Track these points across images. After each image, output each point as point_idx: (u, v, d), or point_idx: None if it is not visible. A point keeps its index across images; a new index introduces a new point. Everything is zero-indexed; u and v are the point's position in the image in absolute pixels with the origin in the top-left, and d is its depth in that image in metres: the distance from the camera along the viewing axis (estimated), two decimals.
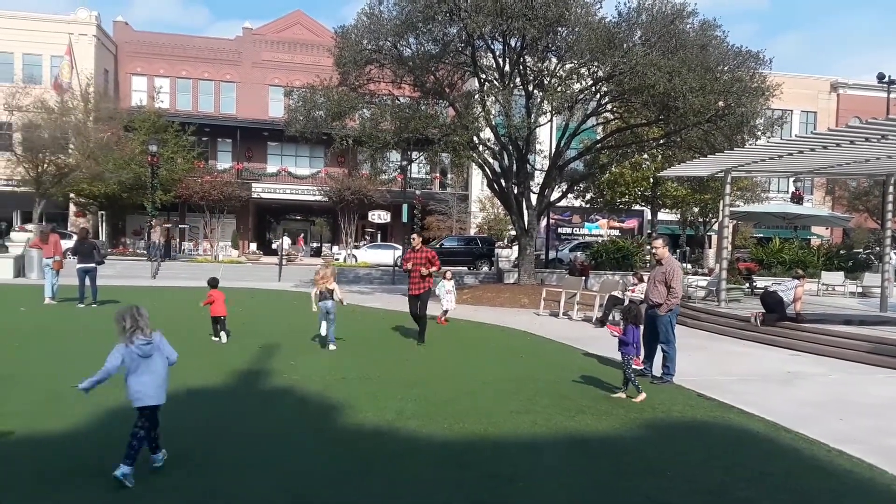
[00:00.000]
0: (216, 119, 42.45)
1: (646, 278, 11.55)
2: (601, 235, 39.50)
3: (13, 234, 26.75)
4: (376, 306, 17.16)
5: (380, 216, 38.26)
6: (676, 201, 32.81)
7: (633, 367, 7.69)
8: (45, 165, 27.98)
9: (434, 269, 11.30)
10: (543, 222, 29.03)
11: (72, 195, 33.69)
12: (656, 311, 8.57)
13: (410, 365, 9.19)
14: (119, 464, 4.50)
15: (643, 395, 7.46)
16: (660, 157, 26.27)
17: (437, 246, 33.62)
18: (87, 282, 15.05)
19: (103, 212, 36.28)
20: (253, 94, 44.52)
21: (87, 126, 29.65)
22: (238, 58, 44.50)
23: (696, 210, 36.26)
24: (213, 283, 11.26)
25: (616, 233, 40.92)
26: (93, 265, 15.17)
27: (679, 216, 38.63)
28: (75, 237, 20.64)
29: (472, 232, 39.84)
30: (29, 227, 28.73)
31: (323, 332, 10.49)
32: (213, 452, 5.33)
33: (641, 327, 8.03)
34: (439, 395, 7.37)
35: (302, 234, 48.06)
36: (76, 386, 4.56)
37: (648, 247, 30.58)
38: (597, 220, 39.99)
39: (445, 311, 14.15)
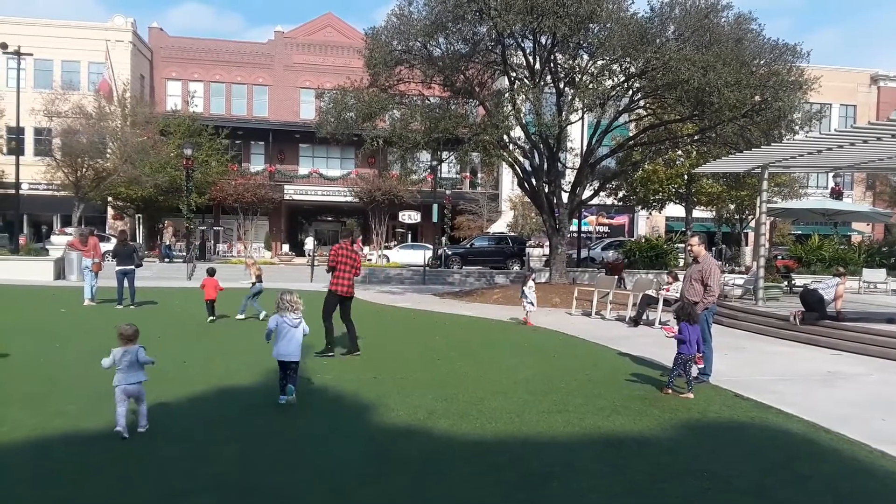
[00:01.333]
0: (249, 122, 43.04)
1: (681, 277, 11.40)
2: (590, 232, 38.95)
3: (53, 238, 27.50)
4: (407, 306, 17.20)
5: (410, 216, 38.37)
6: (712, 198, 32.30)
7: (697, 365, 7.59)
8: (84, 170, 28.61)
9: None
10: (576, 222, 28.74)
11: (109, 199, 34.44)
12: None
13: (441, 365, 9.18)
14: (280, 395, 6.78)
15: (690, 395, 7.44)
16: (694, 153, 25.94)
17: (468, 245, 33.62)
18: (126, 283, 15.35)
19: (140, 215, 37.03)
20: (284, 97, 45.01)
21: (124, 131, 30.27)
22: (270, 61, 45.04)
23: (731, 207, 35.66)
24: (211, 272, 13.29)
25: (605, 229, 40.29)
26: (131, 267, 15.48)
27: (714, 213, 38.00)
28: (114, 240, 21.08)
29: (500, 228, 39.45)
30: (69, 230, 29.51)
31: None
32: (250, 448, 5.41)
33: (698, 326, 7.87)
34: (471, 394, 7.35)
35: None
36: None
37: (683, 245, 30.20)
38: (586, 216, 39.35)
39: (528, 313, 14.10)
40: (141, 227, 38.15)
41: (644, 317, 14.24)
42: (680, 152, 26.67)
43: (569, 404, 6.98)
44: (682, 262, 26.83)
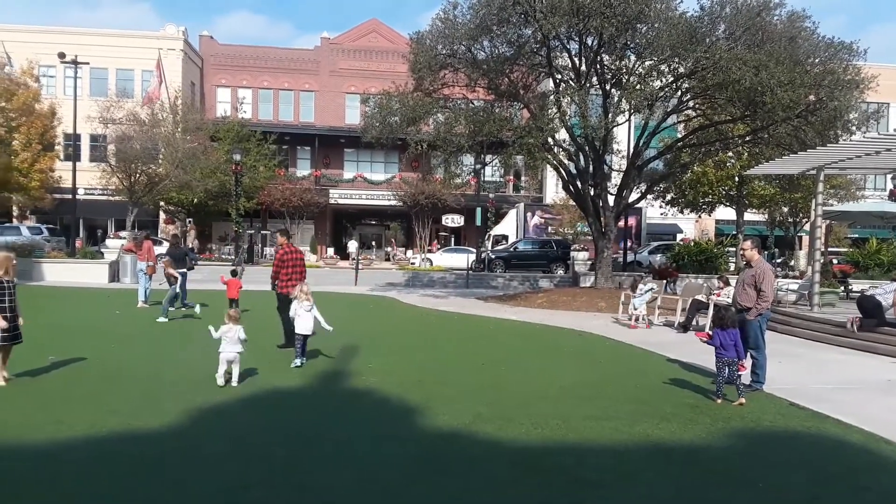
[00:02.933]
0: (295, 127, 43.73)
1: (732, 281, 11.13)
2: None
3: (108, 241, 28.35)
4: (450, 310, 17.19)
5: (453, 220, 38.40)
6: (764, 201, 31.47)
7: (739, 372, 7.41)
8: (137, 175, 29.46)
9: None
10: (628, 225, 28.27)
11: (162, 203, 35.41)
12: (745, 316, 8.19)
13: (486, 369, 9.13)
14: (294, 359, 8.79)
15: (742, 400, 7.29)
16: (746, 154, 25.32)
17: (511, 249, 33.47)
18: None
19: (191, 219, 37.96)
20: (330, 103, 45.61)
21: (175, 137, 31.07)
22: (316, 67, 45.70)
23: (785, 210, 34.68)
24: (234, 273, 14.58)
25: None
26: (183, 270, 15.85)
27: (767, 216, 37.02)
28: (166, 244, 21.62)
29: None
30: (123, 234, 30.40)
31: None
32: (298, 448, 5.47)
33: (736, 330, 7.63)
34: (516, 399, 7.29)
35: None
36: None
37: (733, 248, 29.51)
38: None
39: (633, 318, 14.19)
40: (191, 230, 39.14)
41: (694, 322, 13.93)
42: (730, 154, 26.05)
43: (617, 411, 6.86)
44: (732, 266, 26.22)
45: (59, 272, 22.98)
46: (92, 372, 8.22)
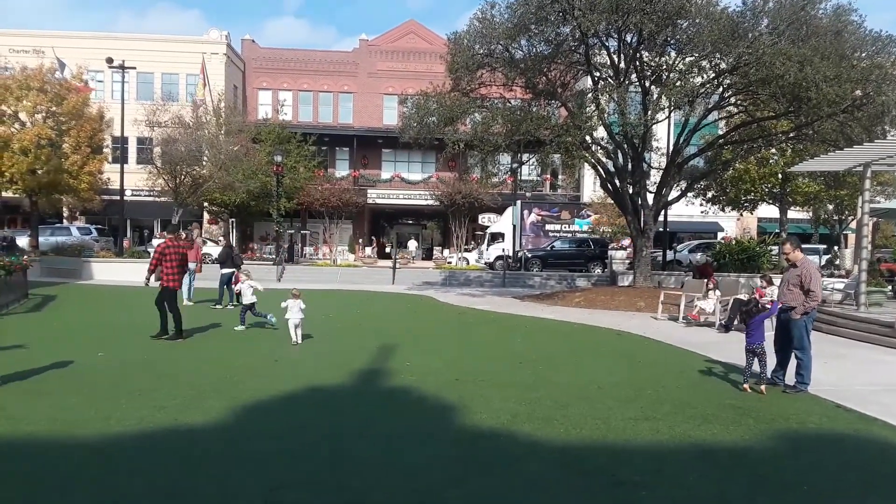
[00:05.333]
0: (334, 129, 44.21)
1: (776, 281, 10.94)
2: (592, 231, 37.39)
3: (154, 241, 29.07)
4: (487, 309, 17.21)
5: (490, 219, 38.35)
6: (808, 198, 30.71)
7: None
8: (182, 177, 30.14)
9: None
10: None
11: (205, 204, 36.17)
12: (790, 315, 8.05)
13: (523, 368, 9.14)
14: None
15: (762, 389, 7.76)
16: (789, 151, 24.80)
17: (548, 248, 33.30)
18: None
19: (233, 219, 38.70)
20: (368, 104, 45.98)
21: (218, 139, 31.71)
22: (355, 69, 46.11)
23: (830, 207, 33.79)
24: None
25: (609, 229, 38.31)
26: (231, 270, 16.25)
27: (811, 214, 36.11)
28: (222, 244, 22.07)
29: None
30: (168, 234, 31.12)
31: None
32: (339, 447, 5.56)
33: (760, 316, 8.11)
34: (554, 399, 7.28)
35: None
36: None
37: (776, 247, 28.86)
38: (588, 215, 37.42)
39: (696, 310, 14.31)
40: (234, 230, 39.86)
41: (735, 322, 13.69)
42: (774, 150, 25.51)
43: (657, 412, 6.82)
44: (775, 265, 25.67)
45: (108, 271, 23.70)
46: (139, 368, 8.48)
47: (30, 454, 5.26)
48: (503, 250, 32.87)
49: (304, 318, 10.68)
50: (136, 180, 35.47)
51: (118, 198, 29.12)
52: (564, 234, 35.90)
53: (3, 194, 29.84)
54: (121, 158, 29.13)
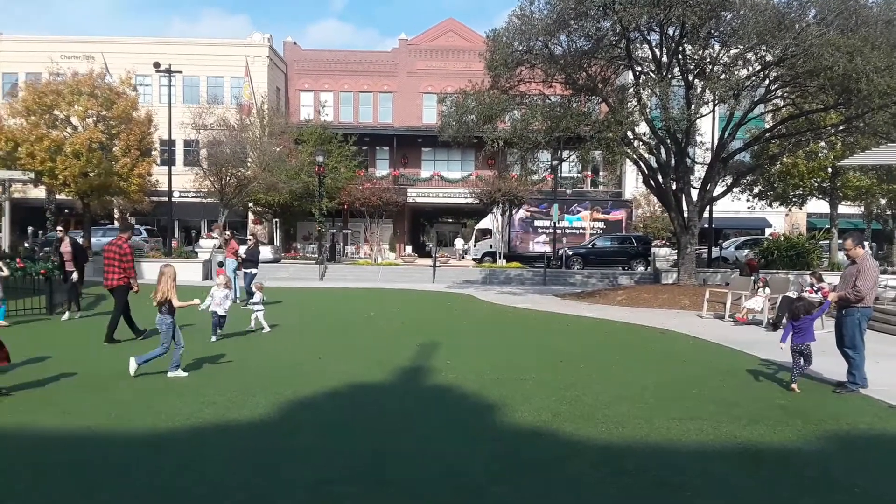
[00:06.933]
0: (375, 128, 44.56)
1: (826, 278, 10.67)
2: (583, 228, 36.35)
3: (202, 241, 29.73)
4: (527, 307, 17.14)
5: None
6: (860, 192, 29.73)
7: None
8: (227, 178, 30.72)
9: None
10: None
11: (250, 204, 36.83)
12: (845, 312, 7.91)
13: (564, 367, 9.09)
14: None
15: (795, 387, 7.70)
16: (839, 144, 24.05)
17: (590, 245, 32.97)
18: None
19: (277, 219, 39.32)
20: (408, 103, 46.19)
21: (262, 141, 32.26)
22: (394, 69, 46.37)
23: (882, 202, 32.66)
24: (220, 264, 17.49)
25: (601, 225, 37.04)
26: (255, 270, 16.57)
27: (863, 209, 34.96)
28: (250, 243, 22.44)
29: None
30: (214, 234, 31.80)
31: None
32: (382, 442, 5.64)
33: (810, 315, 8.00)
34: (596, 398, 7.23)
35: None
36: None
37: (826, 242, 28.06)
38: (578, 211, 36.34)
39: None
40: (277, 230, 40.52)
41: (784, 320, 13.35)
42: (823, 144, 24.78)
43: (702, 412, 6.71)
44: (825, 262, 24.95)
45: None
46: (188, 365, 8.68)
47: (85, 447, 5.46)
48: (490, 246, 34.23)
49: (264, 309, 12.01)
50: (183, 182, 36.35)
51: (166, 199, 29.85)
52: (514, 230, 35.33)
53: (57, 196, 30.86)
54: (168, 161, 29.81)
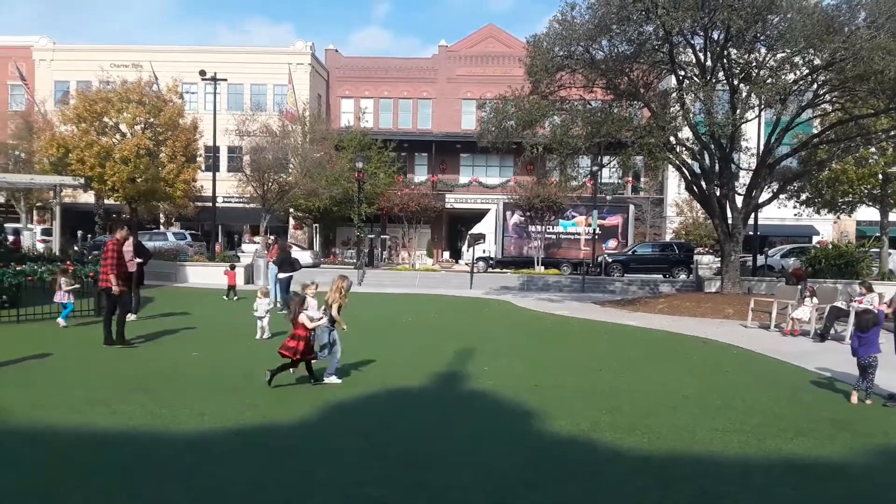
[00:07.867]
0: (413, 135, 44.82)
1: (876, 287, 10.35)
2: (578, 234, 35.30)
3: (244, 246, 30.27)
4: (566, 314, 16.99)
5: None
6: None
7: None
8: (270, 184, 31.28)
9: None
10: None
11: (291, 210, 37.40)
12: None
13: (604, 375, 8.98)
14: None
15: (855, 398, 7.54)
16: (890, 150, 23.30)
17: (630, 252, 32.56)
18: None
19: (317, 224, 39.83)
20: (447, 109, 46.36)
21: (303, 147, 32.76)
22: (434, 75, 46.62)
23: None
24: (232, 267, 19.36)
25: (597, 230, 35.79)
26: (289, 274, 16.71)
27: None
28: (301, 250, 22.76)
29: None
30: (257, 238, 32.38)
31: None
32: (416, 447, 5.66)
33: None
34: (636, 408, 7.12)
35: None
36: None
37: (877, 251, 27.17)
38: (573, 216, 35.32)
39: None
40: (317, 235, 41.03)
41: (832, 331, 12.99)
42: (873, 149, 24.02)
43: (745, 423, 6.55)
44: (875, 271, 24.16)
45: (201, 274, 24.84)
46: (231, 367, 8.85)
47: (132, 446, 5.59)
48: (484, 251, 33.92)
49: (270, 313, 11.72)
50: (226, 187, 37.05)
51: (210, 204, 30.49)
52: (508, 234, 34.62)
53: (105, 201, 31.80)
54: (213, 167, 30.49)
